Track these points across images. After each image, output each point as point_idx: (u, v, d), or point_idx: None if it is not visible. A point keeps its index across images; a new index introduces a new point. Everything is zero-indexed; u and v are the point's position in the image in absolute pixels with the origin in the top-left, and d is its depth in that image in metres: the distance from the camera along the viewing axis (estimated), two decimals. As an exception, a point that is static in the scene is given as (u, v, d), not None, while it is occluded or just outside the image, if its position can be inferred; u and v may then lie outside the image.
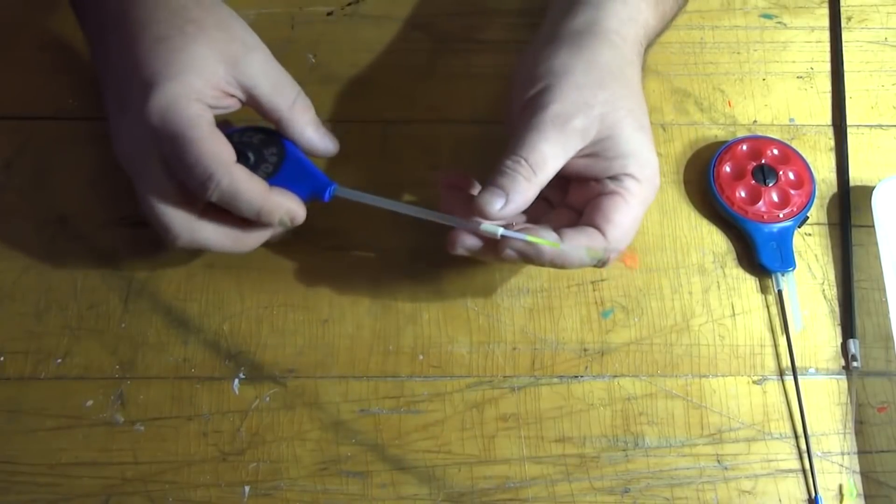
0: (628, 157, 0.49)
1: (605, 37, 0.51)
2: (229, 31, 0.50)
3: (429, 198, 0.57)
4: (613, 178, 0.49)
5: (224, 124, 0.51)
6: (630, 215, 0.49)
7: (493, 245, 0.48)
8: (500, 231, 0.47)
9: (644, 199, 0.50)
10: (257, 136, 0.51)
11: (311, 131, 0.51)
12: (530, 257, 0.47)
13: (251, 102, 0.50)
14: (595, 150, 0.49)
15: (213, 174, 0.47)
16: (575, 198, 0.51)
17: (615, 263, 0.56)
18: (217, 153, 0.47)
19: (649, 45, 0.56)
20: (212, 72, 0.48)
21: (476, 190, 0.51)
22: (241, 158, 0.49)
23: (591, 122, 0.48)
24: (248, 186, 0.48)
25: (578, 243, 0.47)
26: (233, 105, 0.50)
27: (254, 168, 0.49)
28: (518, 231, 0.47)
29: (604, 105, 0.48)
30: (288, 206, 0.49)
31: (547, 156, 0.48)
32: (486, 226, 0.47)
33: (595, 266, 0.49)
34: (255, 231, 0.51)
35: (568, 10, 0.52)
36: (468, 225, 0.48)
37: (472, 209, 0.48)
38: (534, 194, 0.48)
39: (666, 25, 0.58)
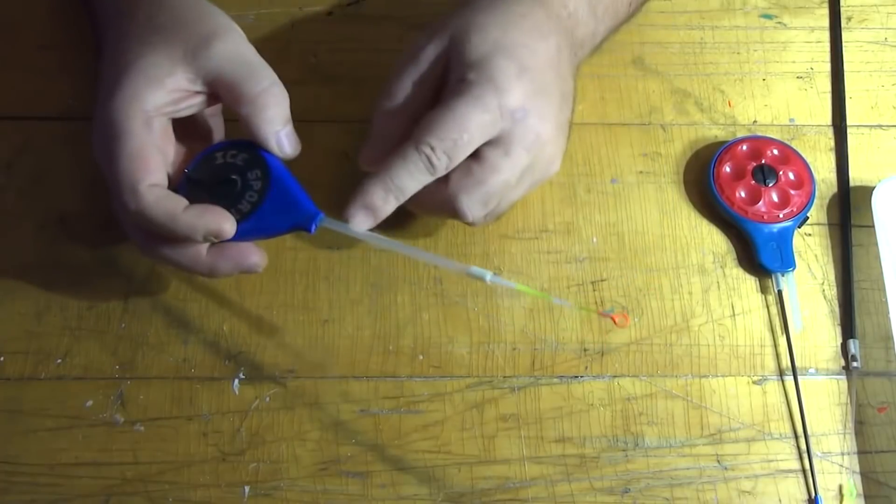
0: (468, 64, 0.49)
1: None
2: (191, 27, 0.48)
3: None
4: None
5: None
6: (450, 117, 0.47)
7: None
8: (489, 277, 0.45)
9: (480, 101, 0.47)
10: (241, 156, 0.49)
11: (276, 127, 0.48)
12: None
13: (219, 93, 0.48)
14: (448, 70, 0.50)
15: (124, 198, 0.46)
16: None
17: (620, 277, 0.56)
18: (130, 172, 0.46)
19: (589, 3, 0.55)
20: (165, 75, 0.47)
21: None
22: (227, 185, 0.48)
23: (437, 36, 0.50)
24: (154, 212, 0.45)
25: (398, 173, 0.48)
26: (200, 101, 0.49)
27: (239, 196, 0.47)
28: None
29: (454, 23, 0.50)
30: (206, 224, 0.46)
31: (397, 88, 0.51)
32: (474, 269, 0.46)
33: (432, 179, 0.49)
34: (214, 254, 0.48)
35: None
36: (456, 266, 0.47)
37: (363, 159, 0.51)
38: (393, 120, 0.50)
39: None
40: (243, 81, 0.47)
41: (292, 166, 0.59)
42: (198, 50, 0.47)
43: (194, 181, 0.49)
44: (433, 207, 0.51)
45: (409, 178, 0.48)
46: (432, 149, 0.47)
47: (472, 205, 0.49)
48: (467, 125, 0.47)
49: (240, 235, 0.47)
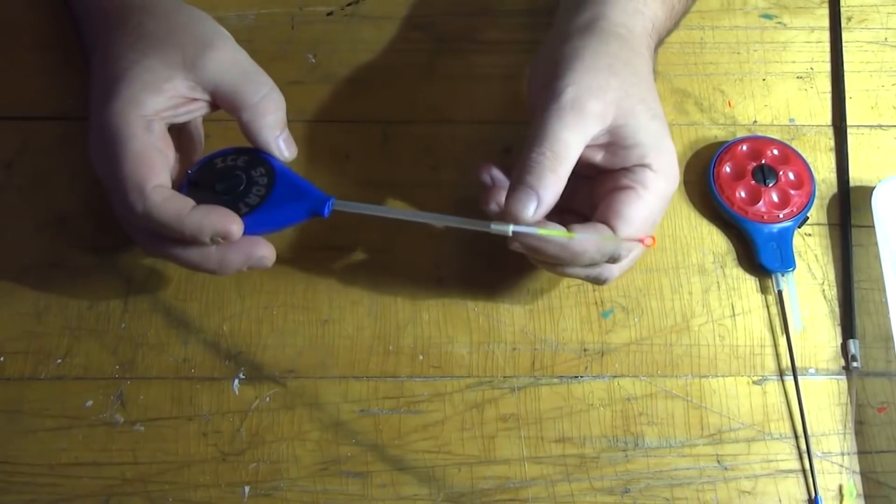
0: (646, 145, 0.48)
1: (611, 29, 0.51)
2: (185, 34, 0.49)
3: (429, 198, 0.57)
4: (629, 170, 0.48)
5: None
6: (644, 210, 0.48)
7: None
8: (511, 228, 0.46)
9: (662, 192, 0.49)
10: (241, 158, 0.49)
11: (276, 132, 0.49)
12: (537, 251, 0.47)
13: (218, 101, 0.49)
14: (612, 140, 0.48)
15: (130, 200, 0.46)
16: (594, 197, 0.50)
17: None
18: (135, 174, 0.46)
19: (660, 41, 0.56)
20: (163, 80, 0.47)
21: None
22: (233, 181, 0.48)
23: (606, 107, 0.48)
24: (161, 213, 0.46)
25: (589, 240, 0.47)
26: (198, 108, 0.49)
27: (245, 191, 0.48)
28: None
29: (617, 90, 0.48)
30: (213, 224, 0.46)
31: (569, 143, 0.47)
32: (496, 225, 0.46)
33: (608, 262, 0.49)
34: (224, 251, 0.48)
35: (575, 7, 0.53)
36: (477, 225, 0.46)
37: (505, 214, 0.47)
38: (562, 187, 0.47)
39: (676, 22, 0.58)
40: (242, 89, 0.48)
41: (291, 165, 0.59)
42: (196, 58, 0.48)
43: (197, 183, 0.49)
44: (575, 273, 0.50)
45: (590, 261, 0.48)
46: (628, 250, 0.49)
47: (616, 275, 0.51)
48: (655, 219, 0.49)
49: (252, 228, 0.48)
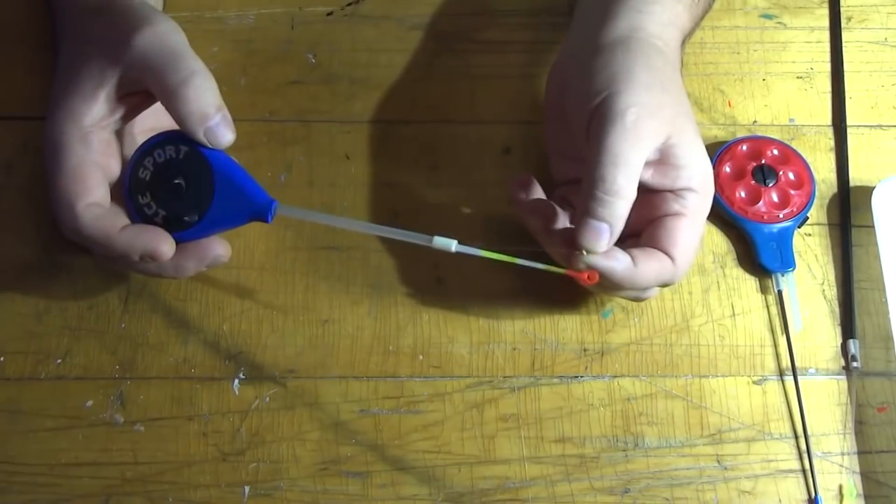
0: (692, 166, 0.48)
1: (651, 42, 0.50)
2: (116, 28, 0.47)
3: (429, 198, 0.57)
4: (676, 193, 0.48)
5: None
6: (697, 235, 0.49)
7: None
8: (454, 246, 0.45)
9: (705, 212, 0.50)
10: (181, 152, 0.47)
11: (204, 118, 0.45)
12: (604, 275, 0.47)
13: (151, 89, 0.46)
14: (662, 158, 0.48)
15: (62, 216, 0.46)
16: (637, 217, 0.49)
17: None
18: (67, 191, 0.45)
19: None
20: (97, 87, 0.46)
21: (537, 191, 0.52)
22: (172, 190, 0.46)
23: (662, 125, 0.47)
24: (90, 232, 0.45)
25: (650, 268, 0.47)
26: (133, 104, 0.48)
27: (186, 197, 0.46)
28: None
29: (670, 108, 0.48)
30: (143, 245, 0.45)
31: (637, 165, 0.46)
32: (439, 240, 0.45)
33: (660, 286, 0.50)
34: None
35: (605, 15, 0.51)
36: (419, 238, 0.46)
37: (575, 245, 0.46)
38: (629, 210, 0.46)
39: (696, 29, 0.58)
40: (165, 73, 0.45)
41: (289, 164, 0.59)
42: (122, 49, 0.46)
43: (137, 188, 0.47)
44: (616, 293, 0.51)
45: (649, 286, 0.49)
46: (681, 277, 0.49)
47: (657, 292, 0.52)
48: (702, 234, 0.50)
49: (194, 235, 0.47)
